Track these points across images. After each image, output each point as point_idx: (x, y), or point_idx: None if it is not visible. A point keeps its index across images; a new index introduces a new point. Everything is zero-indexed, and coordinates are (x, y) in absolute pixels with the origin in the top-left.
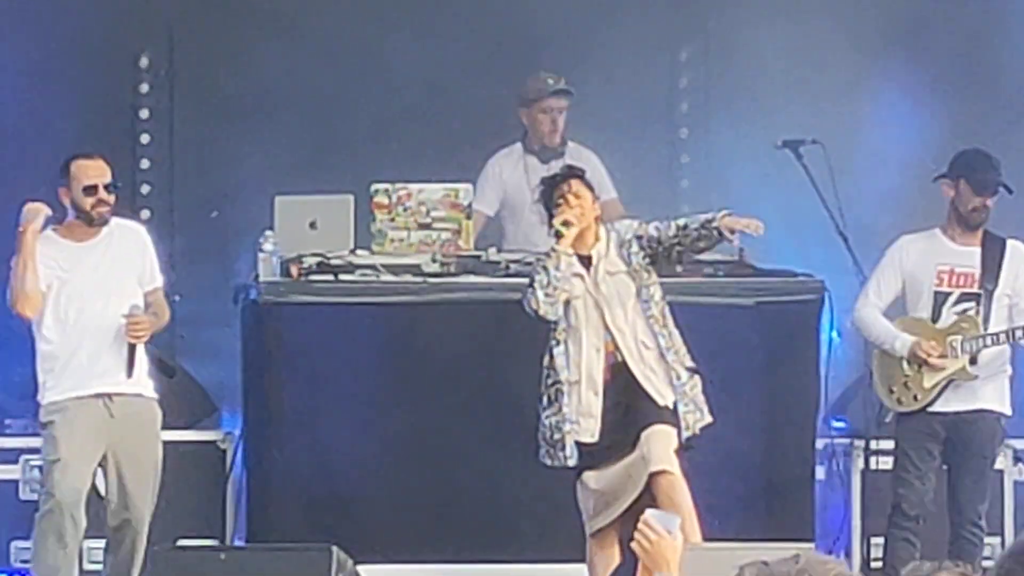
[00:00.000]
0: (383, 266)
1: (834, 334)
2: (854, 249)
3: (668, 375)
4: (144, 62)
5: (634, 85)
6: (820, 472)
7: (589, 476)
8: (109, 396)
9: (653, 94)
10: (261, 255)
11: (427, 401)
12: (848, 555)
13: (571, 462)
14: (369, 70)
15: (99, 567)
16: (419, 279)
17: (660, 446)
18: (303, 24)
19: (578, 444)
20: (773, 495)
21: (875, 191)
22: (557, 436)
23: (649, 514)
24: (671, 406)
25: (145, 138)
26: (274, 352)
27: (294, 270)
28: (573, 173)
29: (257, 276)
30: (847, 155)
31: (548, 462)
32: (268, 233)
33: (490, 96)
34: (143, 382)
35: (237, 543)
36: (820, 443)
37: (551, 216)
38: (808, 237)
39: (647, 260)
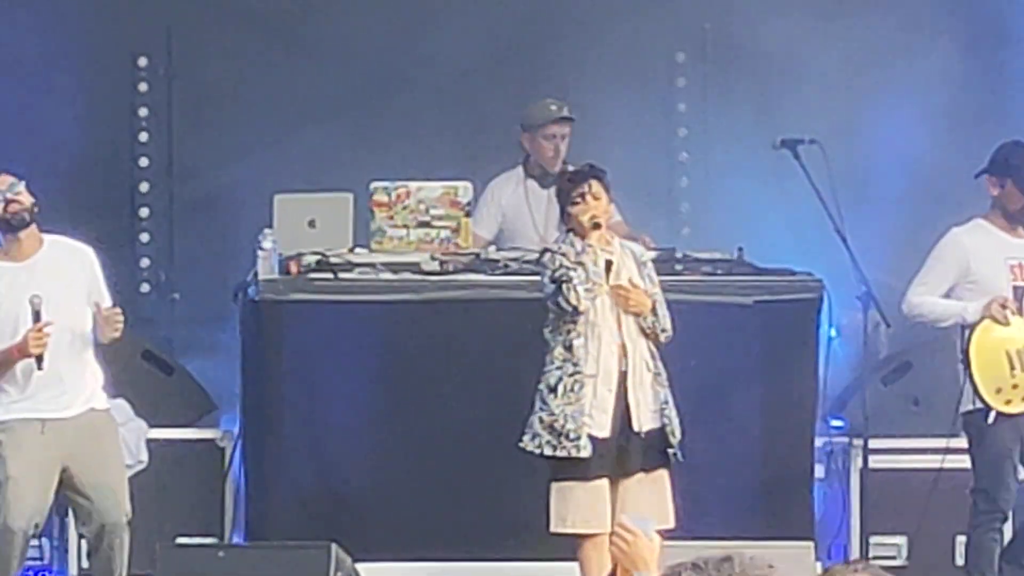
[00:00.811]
0: (382, 264)
1: (832, 333)
2: (852, 248)
3: (657, 399)
4: (143, 61)
5: (632, 86)
6: (819, 471)
7: (576, 486)
8: (51, 420)
9: (651, 95)
10: (260, 253)
11: (426, 399)
12: (846, 554)
13: (584, 453)
14: (367, 69)
15: None
16: (418, 277)
17: (661, 500)
18: (301, 24)
19: (590, 438)
20: (772, 494)
21: (873, 190)
22: (571, 426)
23: (624, 517)
24: (645, 433)
25: (144, 137)
26: (273, 350)
27: (293, 268)
28: (595, 173)
29: (256, 274)
30: (845, 155)
31: (549, 452)
32: (267, 231)
33: (489, 96)
34: (95, 396)
35: (236, 541)
36: (819, 442)
37: (563, 211)
38: (806, 236)
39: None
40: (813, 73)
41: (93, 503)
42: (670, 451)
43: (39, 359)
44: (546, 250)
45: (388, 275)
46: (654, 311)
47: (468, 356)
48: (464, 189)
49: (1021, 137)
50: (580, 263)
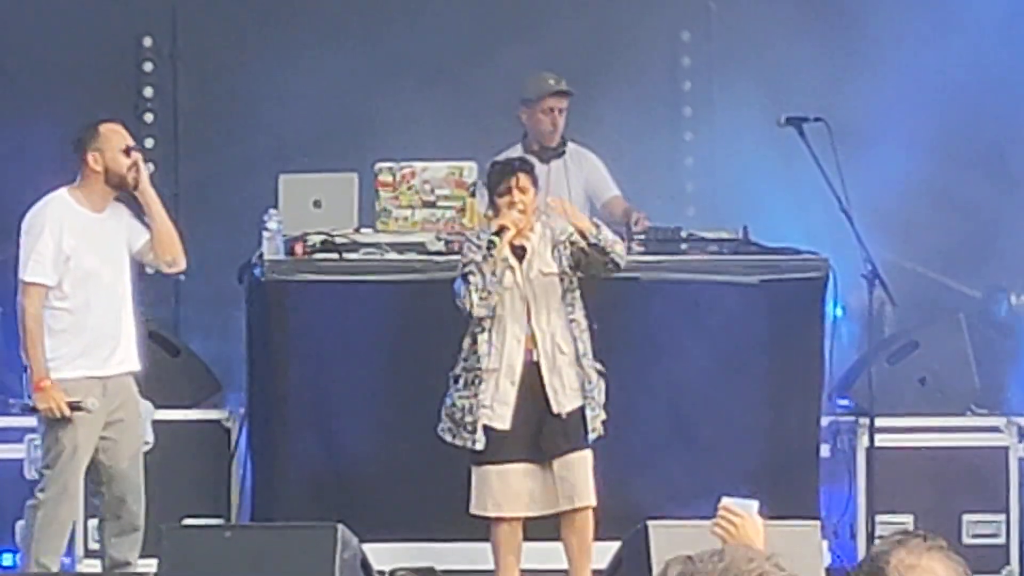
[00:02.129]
0: (387, 244)
1: (839, 312)
2: (858, 227)
3: (580, 379)
4: (148, 41)
5: (637, 65)
6: (825, 450)
7: (491, 471)
8: (108, 377)
9: (656, 73)
10: (265, 233)
11: (432, 379)
12: (853, 533)
13: (478, 446)
14: (372, 49)
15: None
16: (423, 257)
17: (583, 479)
18: (304, 4)
19: (487, 429)
20: (778, 473)
21: (879, 168)
22: (469, 419)
23: (727, 501)
24: (564, 415)
25: (149, 117)
26: (278, 330)
27: (298, 249)
28: (523, 167)
29: (261, 255)
30: (850, 132)
31: (448, 439)
32: (272, 211)
33: (493, 76)
34: (133, 357)
35: (242, 522)
36: (825, 421)
37: (492, 201)
38: (812, 215)
39: (573, 265)
40: (818, 51)
41: (113, 472)
42: (591, 433)
43: (36, 409)
44: (465, 238)
45: (393, 255)
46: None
47: None
48: (469, 169)
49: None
50: (481, 271)
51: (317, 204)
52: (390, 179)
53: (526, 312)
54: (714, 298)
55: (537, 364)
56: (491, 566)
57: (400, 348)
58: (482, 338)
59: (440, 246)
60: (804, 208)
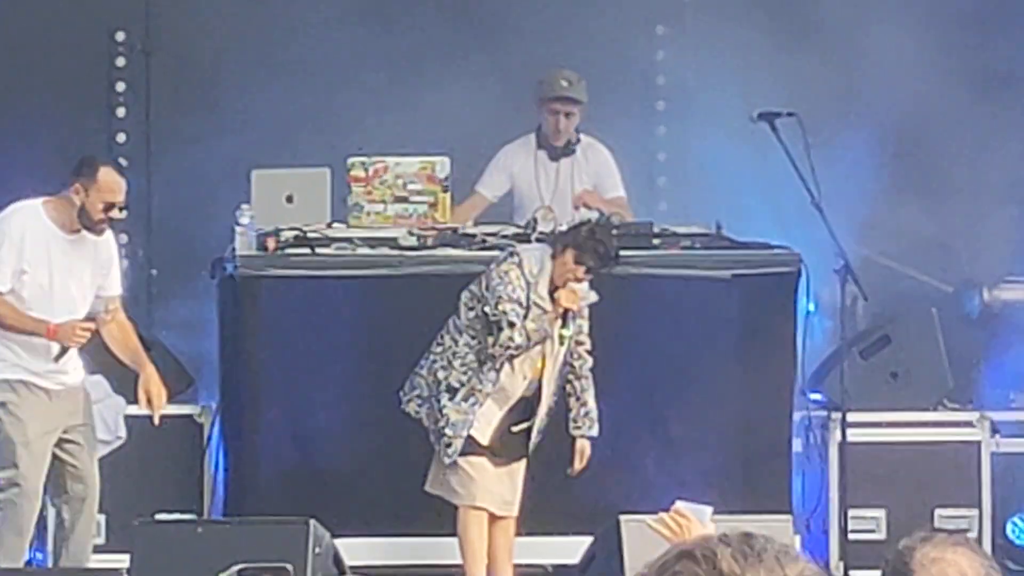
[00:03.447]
0: (360, 239)
1: (811, 306)
2: (830, 221)
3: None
4: (120, 36)
5: (611, 59)
6: (797, 444)
7: (472, 462)
8: (54, 390)
9: (630, 68)
10: (238, 229)
11: (404, 374)
12: (825, 528)
13: (446, 460)
14: (345, 44)
15: None
16: (396, 252)
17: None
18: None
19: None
20: (750, 468)
21: (851, 163)
22: (449, 432)
23: (680, 505)
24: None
25: (121, 112)
26: (251, 326)
27: (271, 244)
28: (608, 264)
29: (234, 250)
30: (823, 127)
31: (424, 430)
32: (245, 207)
33: (467, 71)
34: (78, 372)
35: (214, 517)
36: (797, 415)
37: (556, 254)
38: (784, 210)
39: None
40: (791, 47)
41: (81, 472)
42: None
43: (64, 350)
44: (515, 260)
45: (366, 250)
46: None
47: None
48: (442, 164)
49: (994, 105)
50: (546, 331)
51: (289, 199)
52: (362, 174)
53: (540, 354)
54: (686, 293)
55: (529, 402)
56: (460, 561)
57: (372, 343)
58: (489, 364)
59: (412, 241)
60: (776, 203)
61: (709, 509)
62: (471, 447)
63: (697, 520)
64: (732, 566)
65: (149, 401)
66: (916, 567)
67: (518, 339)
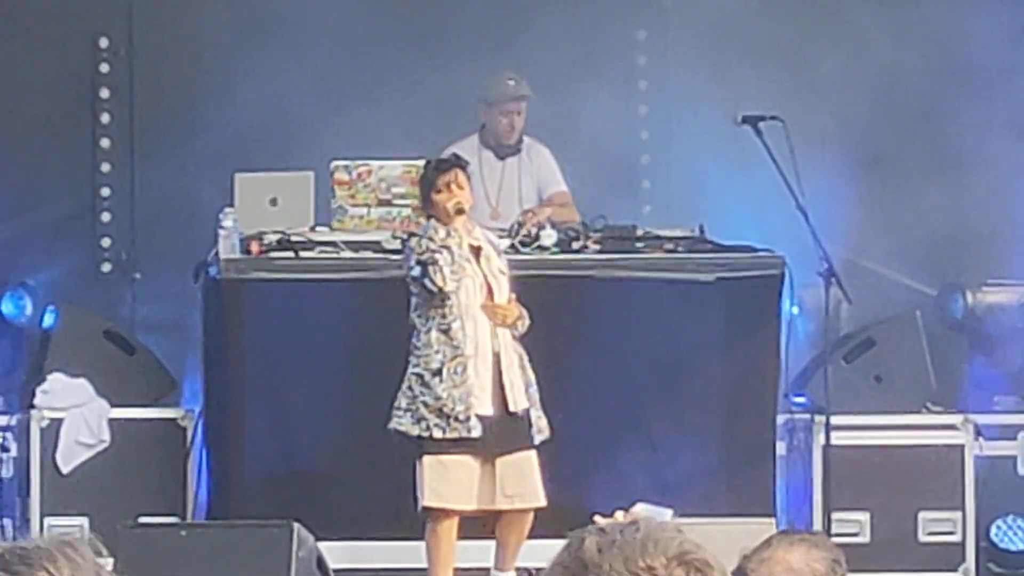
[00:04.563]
0: (343, 243)
1: (794, 310)
2: (814, 224)
3: (524, 382)
4: (104, 42)
5: (593, 64)
6: (781, 447)
7: (447, 460)
8: None
9: (612, 72)
10: (221, 232)
11: (388, 377)
12: (810, 531)
13: (475, 432)
14: (329, 47)
15: None
16: (379, 256)
17: (531, 480)
18: (262, 3)
19: (478, 417)
20: (734, 471)
21: (835, 166)
22: (460, 408)
23: (640, 508)
24: (520, 413)
25: (105, 118)
26: (234, 329)
27: (254, 247)
28: (460, 163)
29: (217, 253)
30: (806, 131)
31: (439, 434)
32: (228, 210)
33: (449, 75)
34: None
35: (198, 520)
36: (781, 418)
37: (426, 198)
38: (768, 213)
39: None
40: (774, 50)
41: None
42: (537, 434)
43: None
44: (411, 234)
45: (349, 254)
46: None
47: None
48: None
49: (977, 109)
50: (446, 246)
51: (273, 203)
52: (346, 177)
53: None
54: (670, 296)
55: (499, 355)
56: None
57: (355, 346)
58: (456, 326)
59: (396, 244)
60: (760, 206)
61: (669, 512)
62: (449, 446)
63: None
64: (593, 554)
65: None
66: (749, 571)
67: (448, 273)
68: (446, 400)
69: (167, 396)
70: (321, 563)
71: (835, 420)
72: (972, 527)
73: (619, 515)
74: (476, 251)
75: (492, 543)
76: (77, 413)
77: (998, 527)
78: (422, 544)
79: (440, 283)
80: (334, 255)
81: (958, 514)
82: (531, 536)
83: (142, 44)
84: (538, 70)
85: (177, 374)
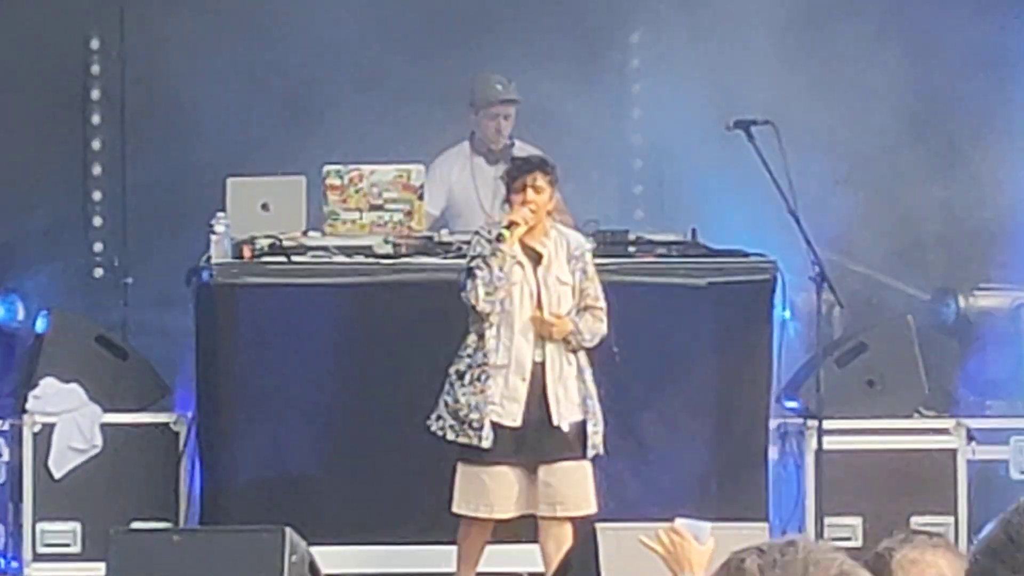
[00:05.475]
0: (335, 247)
1: (786, 314)
2: (806, 229)
3: (581, 394)
4: (95, 43)
5: (586, 67)
6: (773, 452)
7: (482, 471)
8: None
9: (605, 76)
10: (213, 237)
11: (380, 382)
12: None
13: (486, 443)
14: (320, 51)
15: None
16: (371, 260)
17: (576, 488)
18: (254, 6)
19: (496, 426)
20: (726, 476)
21: (827, 171)
22: (474, 416)
23: (680, 522)
24: (565, 428)
25: (96, 119)
26: (227, 334)
27: (246, 252)
28: (542, 166)
29: (209, 258)
30: (798, 135)
31: (451, 437)
32: (220, 215)
33: (441, 78)
34: None
35: (190, 525)
36: (773, 423)
37: (507, 199)
38: (760, 217)
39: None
40: (766, 54)
41: None
42: (591, 448)
43: None
44: (476, 232)
45: (341, 258)
46: (578, 329)
47: (421, 339)
48: (417, 172)
49: (970, 114)
50: (489, 265)
51: (265, 207)
52: (338, 182)
53: (536, 311)
54: (662, 300)
55: (543, 367)
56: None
57: (348, 351)
58: (490, 333)
59: (388, 249)
60: (752, 210)
61: (708, 526)
62: (482, 454)
63: (692, 539)
64: (755, 575)
65: None
66: (896, 568)
67: (482, 292)
68: (462, 405)
69: (159, 401)
70: (313, 568)
71: (827, 425)
72: (965, 531)
73: (660, 532)
74: (537, 258)
75: (521, 547)
76: (69, 418)
77: None
78: (414, 548)
79: (472, 301)
80: (326, 260)
81: (950, 518)
82: (525, 540)
83: (134, 45)
84: (531, 74)
85: (169, 379)
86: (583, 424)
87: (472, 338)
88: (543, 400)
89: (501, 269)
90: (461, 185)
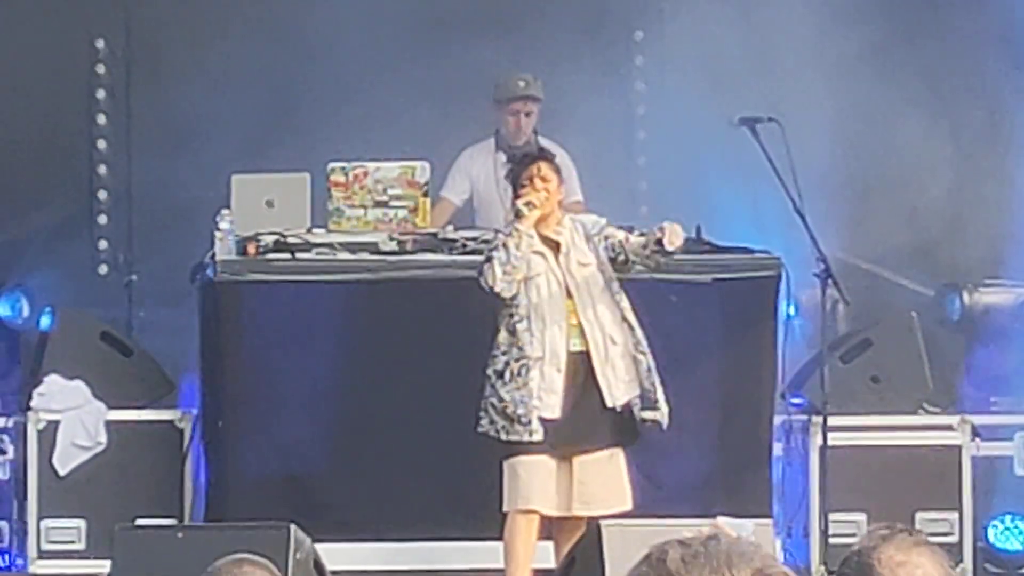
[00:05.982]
0: (340, 244)
1: (791, 311)
2: (810, 225)
3: (632, 369)
4: (101, 44)
5: (590, 64)
6: (778, 449)
7: (524, 461)
8: None
9: (609, 73)
10: (218, 234)
11: (385, 379)
12: (806, 532)
13: (536, 436)
14: (324, 49)
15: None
16: (376, 257)
17: (609, 484)
18: (259, 5)
19: (541, 420)
20: (730, 472)
21: (832, 168)
22: (521, 411)
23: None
24: (618, 407)
25: (102, 119)
26: (231, 331)
27: (251, 249)
28: (543, 156)
29: (214, 255)
30: (804, 132)
31: (503, 437)
32: (224, 212)
33: (446, 76)
34: None
35: (195, 522)
36: (777, 420)
37: (516, 195)
38: (765, 214)
39: (612, 257)
40: (771, 51)
41: None
42: (653, 416)
43: None
44: (496, 230)
45: (346, 255)
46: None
47: (426, 336)
48: (422, 169)
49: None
50: (505, 246)
51: (270, 204)
52: (342, 179)
53: (565, 298)
54: (667, 297)
55: (587, 355)
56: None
57: (352, 347)
58: (521, 327)
59: (392, 246)
60: (757, 207)
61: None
62: (526, 447)
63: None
64: (678, 566)
65: None
66: (882, 570)
67: (499, 273)
68: (508, 402)
69: (164, 398)
70: (318, 565)
71: (832, 421)
72: (969, 527)
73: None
74: (556, 247)
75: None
76: (74, 415)
77: (995, 527)
78: (419, 545)
79: (490, 282)
80: (330, 256)
81: (955, 514)
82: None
83: (138, 46)
84: (535, 70)
85: (174, 376)
86: (630, 406)
87: (503, 335)
88: (594, 385)
89: (518, 248)
90: (483, 180)
